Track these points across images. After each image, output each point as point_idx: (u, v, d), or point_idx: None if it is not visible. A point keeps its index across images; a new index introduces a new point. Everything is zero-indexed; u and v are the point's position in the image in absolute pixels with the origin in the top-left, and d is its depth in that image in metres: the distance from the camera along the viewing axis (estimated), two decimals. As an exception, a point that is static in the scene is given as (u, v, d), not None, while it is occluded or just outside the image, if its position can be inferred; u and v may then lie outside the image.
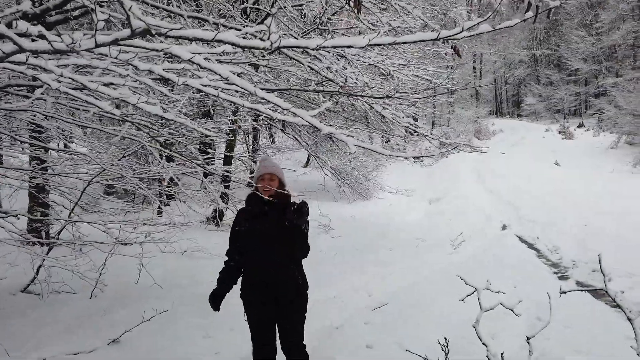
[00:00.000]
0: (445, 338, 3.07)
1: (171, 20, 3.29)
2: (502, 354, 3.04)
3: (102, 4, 3.11)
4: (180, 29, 1.12)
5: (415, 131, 3.77)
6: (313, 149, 11.76)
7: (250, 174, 11.71)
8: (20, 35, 1.19)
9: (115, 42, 1.19)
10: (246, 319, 2.94)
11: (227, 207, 6.53)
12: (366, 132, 12.22)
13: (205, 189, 6.94)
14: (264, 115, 1.45)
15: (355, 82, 4.19)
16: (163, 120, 3.53)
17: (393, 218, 10.96)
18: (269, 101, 1.40)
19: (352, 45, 1.21)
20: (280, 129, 12.42)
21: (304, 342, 2.96)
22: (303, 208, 2.79)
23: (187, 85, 1.43)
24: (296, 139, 11.69)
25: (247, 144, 14.53)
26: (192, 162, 3.56)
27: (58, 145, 8.98)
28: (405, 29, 4.60)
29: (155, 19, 1.27)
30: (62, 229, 4.98)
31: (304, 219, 2.79)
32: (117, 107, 4.53)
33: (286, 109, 1.38)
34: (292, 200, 2.95)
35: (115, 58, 1.25)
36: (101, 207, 7.24)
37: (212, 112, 9.03)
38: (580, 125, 32.18)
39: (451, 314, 4.70)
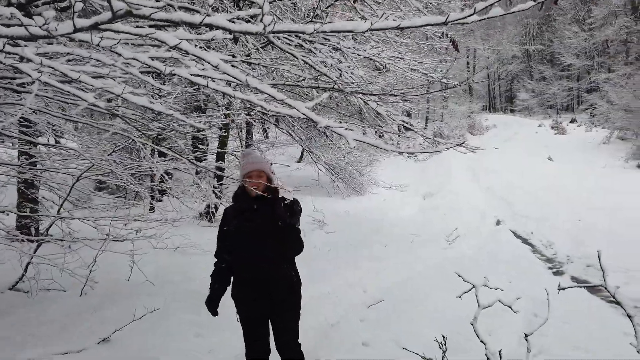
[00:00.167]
0: (443, 336, 3.02)
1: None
2: (500, 351, 3.00)
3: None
4: (163, 6, 1.04)
5: (409, 128, 3.70)
6: (307, 144, 11.68)
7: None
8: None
9: (95, 27, 1.10)
10: (238, 319, 2.87)
11: (221, 203, 6.44)
12: (360, 128, 12.14)
13: (198, 184, 6.85)
14: (258, 107, 1.37)
15: (351, 77, 4.11)
16: (153, 114, 3.44)
17: (387, 213, 10.93)
18: (262, 92, 1.32)
19: (352, 30, 1.13)
20: (274, 124, 12.35)
21: (299, 341, 2.89)
22: (295, 207, 2.69)
23: (174, 74, 1.35)
24: (290, 134, 11.60)
25: (240, 139, 14.43)
26: (182, 158, 3.47)
27: (48, 140, 8.84)
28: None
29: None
30: (50, 225, 4.87)
31: (297, 218, 2.72)
32: (109, 100, 4.44)
33: (280, 100, 1.30)
34: (281, 194, 2.87)
35: (98, 45, 1.16)
36: (92, 203, 7.13)
37: (205, 107, 8.92)
38: (572, 121, 32.31)
39: (446, 309, 4.66)
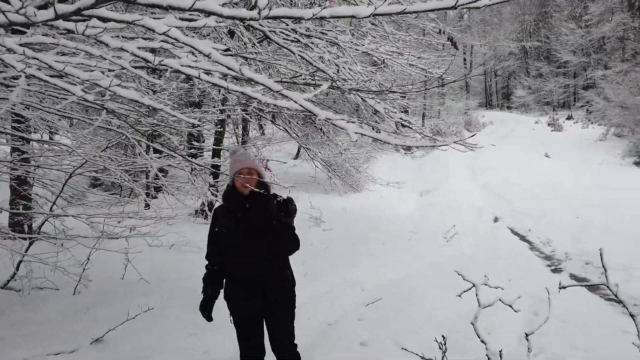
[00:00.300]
0: (443, 336, 2.97)
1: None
2: (500, 351, 2.96)
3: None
4: (150, -13, 0.97)
5: (407, 126, 3.64)
6: (304, 140, 11.61)
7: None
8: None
9: (78, 12, 1.03)
10: (232, 320, 2.80)
11: (216, 200, 6.38)
12: (357, 125, 12.07)
13: (194, 181, 6.77)
14: (253, 100, 1.30)
15: (349, 72, 4.04)
16: (147, 110, 3.37)
17: (384, 210, 10.87)
18: (257, 82, 1.26)
19: (354, 15, 1.07)
20: (270, 120, 12.26)
21: (295, 342, 2.84)
22: (290, 206, 2.62)
23: (164, 65, 1.28)
24: (286, 131, 11.52)
25: (236, 136, 14.34)
26: (175, 155, 3.39)
27: (42, 136, 8.72)
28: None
29: None
30: (43, 223, 4.79)
31: (292, 218, 2.65)
32: (102, 95, 4.34)
33: (277, 92, 1.23)
34: (273, 192, 2.80)
35: (83, 34, 1.09)
36: (87, 200, 7.04)
37: (201, 103, 8.83)
38: (569, 118, 32.34)
39: (445, 308, 4.62)
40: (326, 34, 4.24)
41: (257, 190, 2.65)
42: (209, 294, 2.77)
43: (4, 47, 1.27)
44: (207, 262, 2.84)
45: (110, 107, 2.41)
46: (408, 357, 3.13)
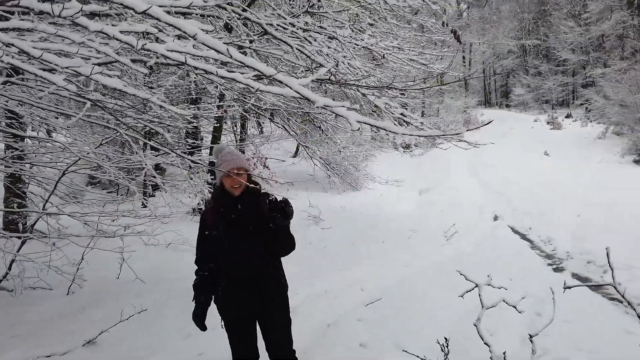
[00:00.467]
0: (445, 338, 2.90)
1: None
2: (504, 353, 2.88)
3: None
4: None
5: (408, 122, 3.55)
6: (302, 138, 11.52)
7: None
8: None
9: (51, -11, 0.96)
10: (223, 326, 2.71)
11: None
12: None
13: (192, 179, 6.67)
14: (244, 85, 1.21)
15: (348, 67, 3.96)
16: (140, 105, 3.27)
17: (383, 209, 10.80)
18: (247, 66, 1.17)
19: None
20: (269, 117, 12.17)
21: (294, 348, 2.76)
22: (288, 208, 2.53)
23: (148, 49, 1.19)
24: (285, 128, 11.43)
25: (234, 133, 14.25)
26: (169, 152, 3.30)
27: (38, 134, 8.62)
28: (403, 7, 4.36)
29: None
30: (35, 222, 4.69)
31: (289, 220, 2.57)
32: (87, 85, 4.25)
33: (270, 76, 1.14)
34: (264, 190, 2.71)
35: (59, 16, 1.00)
36: (82, 198, 6.94)
37: (199, 100, 8.75)
38: (568, 116, 32.27)
39: (445, 307, 4.54)
40: (325, 29, 4.16)
41: (253, 186, 2.56)
42: (201, 301, 2.66)
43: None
44: (196, 268, 2.72)
45: (94, 99, 2.32)
46: (409, 359, 3.06)
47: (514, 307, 2.87)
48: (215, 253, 2.63)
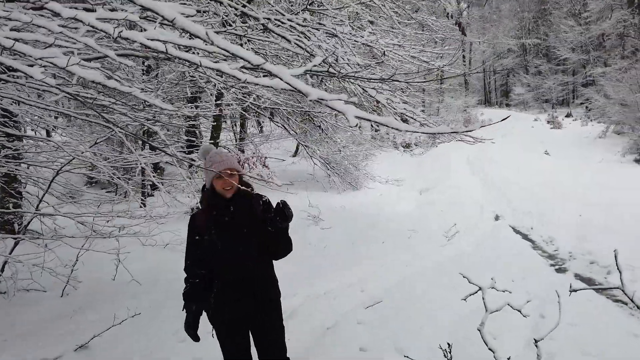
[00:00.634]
0: (448, 344, 2.81)
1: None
2: (508, 358, 2.79)
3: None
4: None
5: (412, 117, 3.45)
6: (302, 137, 11.44)
7: (238, 162, 11.38)
8: None
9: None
10: (214, 335, 2.62)
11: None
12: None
13: (190, 178, 6.59)
14: (230, 76, 1.12)
15: (347, 63, 3.87)
16: (134, 104, 3.19)
17: (383, 208, 10.70)
18: (233, 54, 1.08)
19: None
20: (268, 117, 12.09)
21: (287, 355, 2.68)
22: (287, 212, 2.44)
23: (125, 37, 1.10)
24: (284, 128, 11.35)
25: (234, 133, 14.17)
26: (163, 150, 3.21)
27: (36, 133, 8.53)
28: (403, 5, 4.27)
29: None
30: (29, 222, 4.61)
31: (288, 223, 2.49)
32: (85, 86, 4.17)
33: (258, 65, 1.05)
34: (256, 191, 2.61)
35: (27, 1, 0.92)
36: (80, 199, 6.86)
37: (198, 99, 8.66)
38: (568, 115, 32.19)
39: (447, 310, 4.46)
40: (324, 25, 4.07)
41: (244, 188, 2.47)
42: (192, 310, 2.54)
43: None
44: (186, 275, 2.61)
45: (73, 92, 2.22)
46: (410, 364, 2.98)
47: (519, 310, 2.79)
48: (206, 257, 2.53)
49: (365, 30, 4.54)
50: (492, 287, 2.89)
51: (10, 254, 4.15)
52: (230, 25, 3.57)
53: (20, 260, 3.91)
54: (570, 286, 2.57)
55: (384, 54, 4.01)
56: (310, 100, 1.02)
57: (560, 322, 3.56)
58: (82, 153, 3.94)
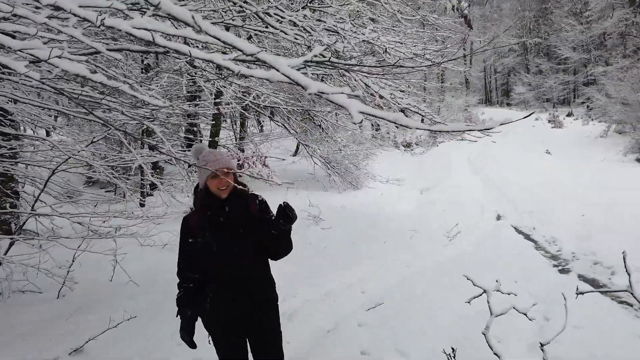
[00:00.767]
0: (452, 348, 2.74)
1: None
2: (514, 363, 2.72)
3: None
4: None
5: (417, 112, 3.37)
6: (302, 137, 11.36)
7: (239, 162, 11.31)
8: None
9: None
10: (210, 341, 2.55)
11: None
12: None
13: (189, 177, 6.51)
14: (223, 68, 1.05)
15: (349, 58, 3.79)
16: (129, 101, 3.11)
17: (383, 208, 10.63)
18: (224, 43, 1.00)
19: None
20: (269, 116, 12.00)
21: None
22: (292, 214, 2.37)
23: (109, 26, 1.03)
24: (285, 127, 11.27)
25: (234, 132, 14.09)
26: (155, 149, 3.13)
27: (35, 133, 8.46)
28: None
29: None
30: (24, 223, 4.53)
31: (291, 225, 2.42)
32: (81, 84, 4.09)
33: (252, 55, 0.96)
34: (251, 191, 2.54)
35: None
36: (78, 199, 6.79)
37: (198, 97, 8.60)
38: (569, 114, 32.11)
39: (450, 312, 4.38)
40: (324, 22, 4.00)
41: (241, 188, 2.40)
42: (188, 315, 2.46)
43: None
44: (179, 280, 2.53)
45: (58, 87, 2.14)
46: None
47: (525, 314, 2.71)
48: (200, 260, 2.46)
49: (366, 27, 4.46)
50: (497, 290, 2.82)
51: (5, 254, 4.07)
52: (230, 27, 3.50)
53: (14, 261, 3.83)
54: (577, 288, 2.49)
55: (385, 51, 3.93)
56: (310, 94, 0.95)
57: (566, 325, 3.49)
58: (79, 152, 3.86)
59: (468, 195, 11.39)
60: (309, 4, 4.62)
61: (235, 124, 14.43)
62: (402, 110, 3.55)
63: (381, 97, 3.22)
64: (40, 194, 4.36)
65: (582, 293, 2.46)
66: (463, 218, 9.12)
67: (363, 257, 6.65)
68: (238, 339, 2.54)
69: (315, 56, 1.05)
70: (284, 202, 2.39)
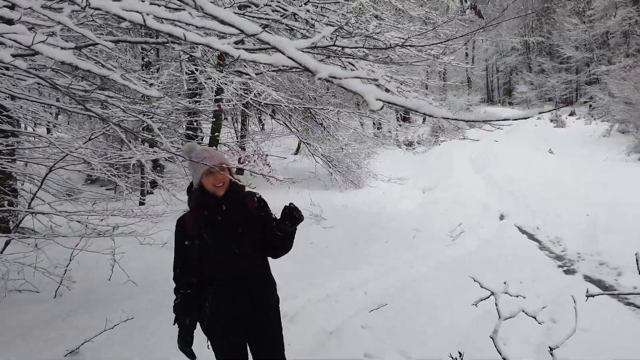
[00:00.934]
0: (460, 352, 2.65)
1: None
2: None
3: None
4: None
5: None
6: (304, 135, 11.28)
7: (239, 161, 11.23)
8: None
9: None
10: (209, 345, 2.46)
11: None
12: (357, 119, 11.75)
13: (190, 175, 6.41)
14: (223, 53, 0.97)
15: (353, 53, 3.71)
16: (129, 97, 3.03)
17: (385, 207, 10.54)
18: (222, 21, 0.91)
19: None
20: (270, 114, 11.92)
21: None
22: (298, 215, 2.29)
23: (96, 8, 0.95)
24: (286, 125, 11.19)
25: (235, 130, 14.02)
26: (157, 145, 3.06)
27: (35, 129, 8.38)
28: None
29: None
30: (20, 221, 4.46)
31: (296, 226, 2.34)
32: (85, 78, 4.01)
33: (253, 35, 0.88)
34: (247, 189, 2.46)
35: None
36: (77, 196, 6.71)
37: (199, 95, 8.52)
38: (571, 114, 31.98)
39: (454, 313, 4.30)
40: (327, 17, 3.92)
41: (239, 182, 2.31)
42: (186, 324, 2.37)
43: None
44: (175, 286, 2.42)
45: (44, 77, 2.05)
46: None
47: (534, 317, 2.63)
48: (197, 262, 2.37)
49: (370, 23, 4.38)
50: (505, 292, 2.74)
51: (1, 253, 4.00)
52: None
53: (8, 259, 3.75)
54: (587, 291, 2.41)
55: (390, 46, 3.84)
56: (320, 79, 0.86)
57: (573, 327, 3.40)
58: (76, 149, 3.78)
59: (470, 194, 11.29)
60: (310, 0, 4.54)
61: (236, 122, 14.36)
62: (416, 97, 3.45)
63: (387, 90, 3.13)
64: (37, 191, 4.28)
65: (592, 295, 2.38)
66: (465, 217, 9.04)
67: (365, 257, 6.57)
68: (238, 337, 2.46)
69: (324, 37, 0.97)
70: (290, 204, 2.31)
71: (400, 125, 15.06)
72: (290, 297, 4.58)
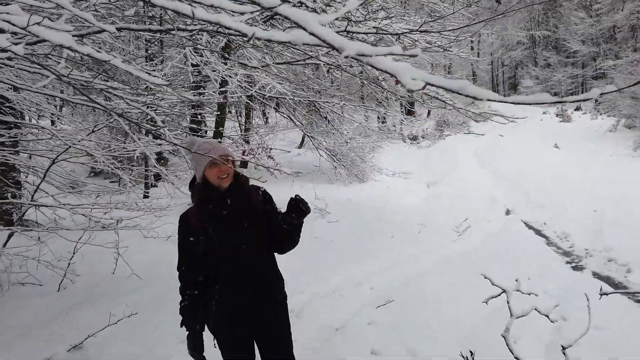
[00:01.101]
0: (471, 352, 2.59)
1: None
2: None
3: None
4: None
5: (436, 98, 3.20)
6: (308, 129, 11.20)
7: (243, 154, 11.17)
8: None
9: None
10: (216, 344, 2.41)
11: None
12: (362, 108, 11.65)
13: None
14: (234, 31, 0.90)
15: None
16: (132, 87, 2.97)
17: (389, 201, 10.47)
18: None
19: None
20: (274, 107, 11.84)
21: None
22: (306, 208, 2.23)
23: None
24: (290, 119, 11.11)
25: (239, 123, 13.95)
26: (159, 136, 3.00)
27: (37, 122, 8.34)
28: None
29: None
30: (23, 214, 4.41)
31: (303, 219, 2.28)
32: (88, 67, 3.95)
33: (270, 8, 0.80)
34: (251, 183, 2.40)
35: None
36: (82, 189, 6.67)
37: (203, 87, 8.46)
38: (577, 108, 31.72)
39: (462, 310, 4.25)
40: (334, 8, 3.84)
41: (243, 175, 2.25)
42: (196, 329, 2.29)
43: None
44: (181, 285, 2.35)
45: (39, 62, 1.99)
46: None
47: (547, 316, 2.57)
48: (203, 257, 2.31)
49: (378, 13, 4.29)
50: (517, 290, 2.68)
51: (4, 246, 3.96)
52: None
53: (11, 252, 3.71)
54: (601, 289, 2.34)
55: (398, 38, 3.77)
56: (347, 57, 0.79)
57: (585, 325, 3.33)
58: (79, 141, 3.73)
59: (475, 188, 11.20)
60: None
61: (240, 115, 14.29)
62: (427, 93, 3.37)
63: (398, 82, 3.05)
64: (40, 183, 4.24)
65: (606, 294, 2.31)
66: (470, 212, 8.95)
67: (370, 251, 6.51)
68: (242, 331, 2.39)
69: (349, 12, 0.90)
70: (296, 195, 2.25)
71: (404, 119, 14.92)
72: (297, 292, 4.53)
